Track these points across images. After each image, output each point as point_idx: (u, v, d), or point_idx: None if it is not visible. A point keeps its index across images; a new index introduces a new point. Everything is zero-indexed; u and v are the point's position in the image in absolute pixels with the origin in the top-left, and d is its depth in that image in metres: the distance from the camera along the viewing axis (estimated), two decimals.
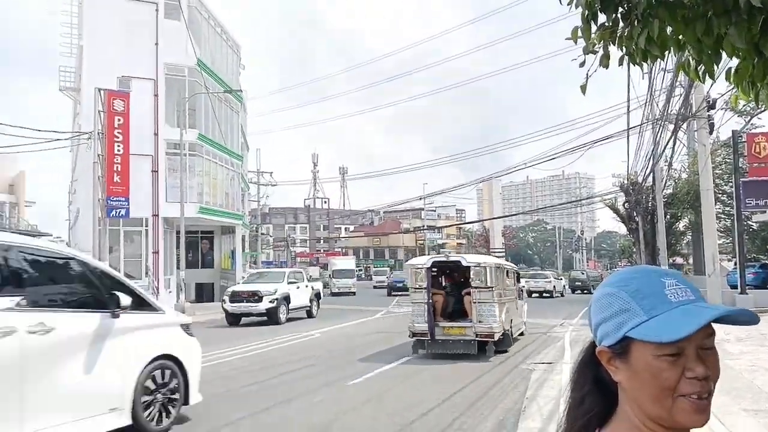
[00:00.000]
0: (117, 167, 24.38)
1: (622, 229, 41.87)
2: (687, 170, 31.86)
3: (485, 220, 76.74)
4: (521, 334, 14.64)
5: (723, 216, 32.20)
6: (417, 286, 11.87)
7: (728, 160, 27.68)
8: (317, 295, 23.67)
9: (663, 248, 26.46)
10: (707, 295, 16.42)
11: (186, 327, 6.90)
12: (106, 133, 24.01)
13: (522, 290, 15.82)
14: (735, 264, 25.64)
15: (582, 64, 3.13)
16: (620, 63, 3.05)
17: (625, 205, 29.96)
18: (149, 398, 6.00)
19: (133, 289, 6.14)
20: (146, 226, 27.74)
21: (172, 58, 28.55)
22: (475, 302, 11.44)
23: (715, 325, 0.90)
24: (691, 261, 39.59)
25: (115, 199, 24.13)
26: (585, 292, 41.48)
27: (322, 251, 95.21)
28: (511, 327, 12.62)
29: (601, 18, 2.90)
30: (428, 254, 77.94)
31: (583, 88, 3.22)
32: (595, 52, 3.05)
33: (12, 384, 4.73)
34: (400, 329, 17.41)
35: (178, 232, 26.08)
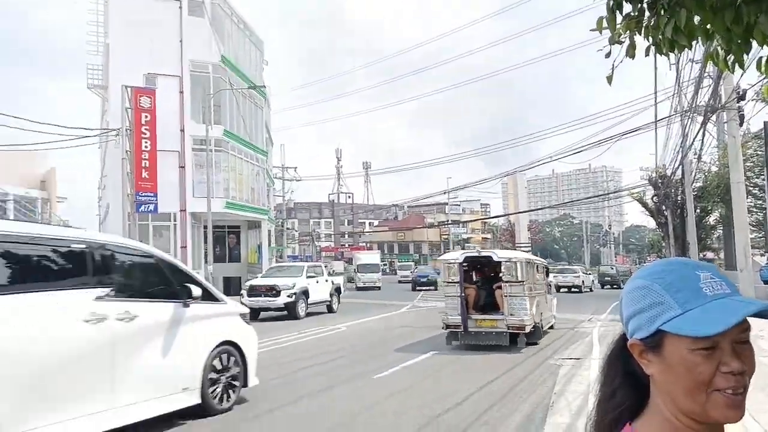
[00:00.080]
0: (145, 163, 24.81)
1: (650, 223, 41.21)
2: (717, 163, 31.15)
3: (510, 214, 76.36)
4: (551, 327, 14.88)
5: (755, 210, 31.44)
6: (450, 281, 12.36)
7: (759, 153, 27.00)
8: (337, 290, 23.32)
9: (693, 242, 25.95)
10: (739, 291, 16.01)
11: (244, 316, 7.56)
12: (134, 130, 24.44)
13: (550, 285, 16.01)
14: None
15: (608, 55, 3.09)
16: (647, 53, 3.01)
17: (654, 198, 29.45)
18: (215, 380, 6.64)
19: (200, 282, 6.84)
20: (174, 221, 28.18)
21: (196, 55, 28.89)
22: (506, 296, 11.82)
23: (749, 320, 0.89)
24: (722, 256, 38.79)
25: (143, 194, 24.57)
26: (614, 287, 41.02)
27: (346, 246, 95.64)
28: (541, 320, 12.95)
29: (627, 7, 2.86)
30: (452, 249, 77.95)
31: (609, 79, 3.18)
32: (620, 43, 3.01)
33: (105, 363, 5.37)
34: (425, 323, 17.45)
35: (205, 227, 26.47)
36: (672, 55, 3.15)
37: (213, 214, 25.89)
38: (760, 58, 2.88)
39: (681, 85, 21.49)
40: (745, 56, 2.79)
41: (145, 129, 24.81)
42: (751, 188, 29.52)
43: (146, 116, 24.87)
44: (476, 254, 13.07)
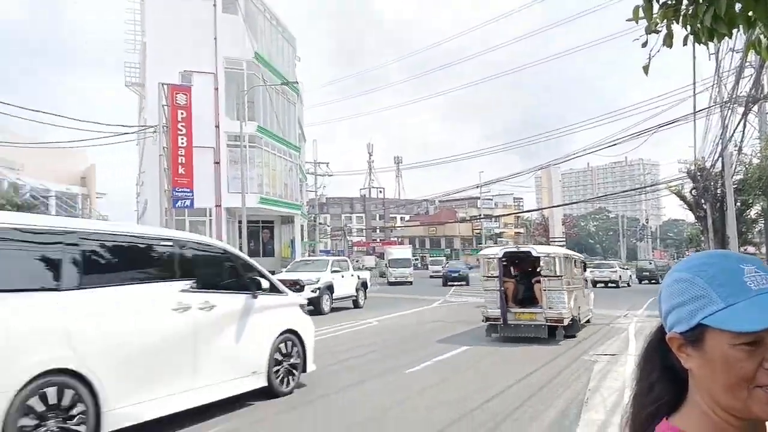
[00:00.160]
0: (181, 159, 25.30)
1: (689, 217, 40.22)
2: (758, 155, 30.18)
3: (544, 208, 75.27)
4: (588, 321, 15.03)
5: None
6: (489, 275, 12.76)
7: None
8: (364, 285, 22.93)
9: (733, 236, 25.20)
10: None
11: (302, 307, 8.19)
12: (170, 127, 24.94)
13: (586, 280, 16.12)
14: None
15: (644, 45, 3.03)
16: (684, 42, 2.94)
17: (693, 192, 28.69)
18: (278, 365, 7.27)
19: (266, 276, 7.47)
20: (210, 216, 28.68)
21: (230, 52, 29.27)
22: (545, 290, 12.13)
23: None
24: (763, 250, 37.60)
25: (180, 190, 25.06)
26: (652, 282, 40.18)
27: (378, 240, 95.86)
28: (579, 313, 13.25)
29: None
30: (485, 243, 77.45)
31: (646, 69, 3.12)
32: (657, 32, 2.95)
33: (188, 347, 6.05)
34: (457, 318, 17.42)
35: (239, 222, 26.85)
36: (711, 44, 3.07)
37: (247, 210, 26.24)
38: None
39: (721, 75, 20.88)
40: None
41: (182, 126, 25.28)
42: None
43: (182, 113, 25.34)
44: (515, 249, 13.67)
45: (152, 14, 29.72)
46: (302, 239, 40.08)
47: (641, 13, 2.87)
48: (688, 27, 2.82)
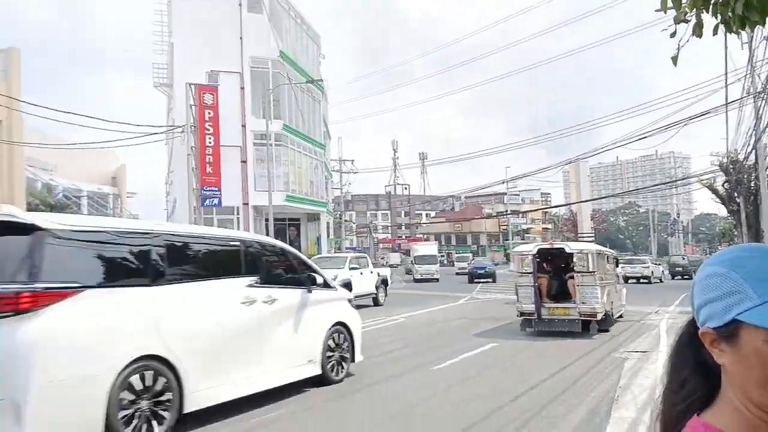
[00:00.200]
0: (209, 158, 25.60)
1: (721, 211, 39.31)
2: None
3: (572, 203, 74.44)
4: (620, 316, 15.23)
5: None
6: (523, 271, 13.10)
7: None
8: (384, 282, 22.62)
9: None
10: None
11: (350, 301, 8.81)
12: (198, 126, 25.25)
13: (618, 275, 16.26)
14: None
15: (673, 35, 2.96)
16: (715, 32, 2.86)
17: (725, 185, 28.06)
18: (331, 355, 7.84)
19: (319, 272, 8.13)
20: (237, 214, 29.00)
21: (256, 51, 29.52)
22: (578, 285, 12.44)
23: None
24: None
25: (208, 189, 25.38)
26: (685, 277, 39.40)
27: (403, 237, 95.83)
28: (611, 308, 13.50)
29: None
30: (511, 239, 76.78)
31: (675, 59, 3.05)
32: (686, 21, 2.87)
33: (254, 337, 6.64)
34: (483, 315, 17.34)
35: (266, 220, 27.08)
36: (743, 33, 2.98)
37: (274, 207, 26.46)
38: None
39: (754, 64, 20.33)
40: None
41: (209, 125, 25.59)
42: None
43: (209, 113, 25.65)
44: (549, 246, 14.03)
45: (179, 15, 30.15)
46: (328, 236, 40.28)
47: (670, 3, 2.80)
48: (719, 16, 2.75)
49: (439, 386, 8.01)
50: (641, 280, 35.52)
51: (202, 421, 5.93)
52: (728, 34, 2.83)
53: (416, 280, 40.39)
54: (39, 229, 4.95)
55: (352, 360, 8.34)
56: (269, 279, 7.13)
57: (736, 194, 27.02)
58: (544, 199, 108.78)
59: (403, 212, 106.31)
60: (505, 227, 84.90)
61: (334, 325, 7.99)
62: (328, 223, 40.13)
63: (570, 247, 13.22)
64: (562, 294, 13.20)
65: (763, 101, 20.68)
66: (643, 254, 57.72)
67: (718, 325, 0.89)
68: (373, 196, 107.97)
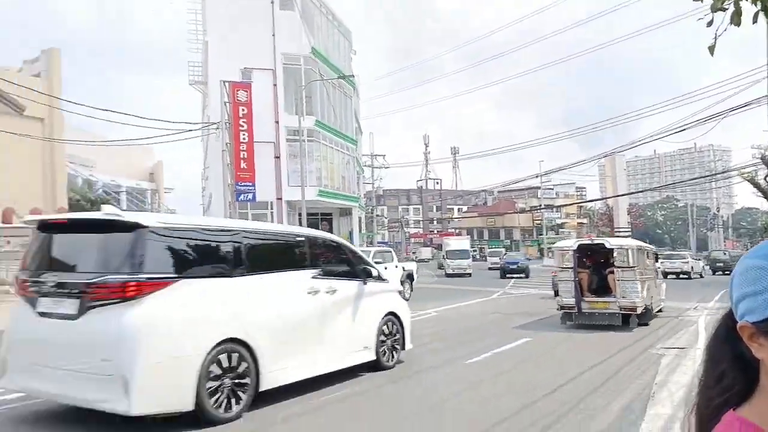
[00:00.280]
0: (243, 154, 25.96)
1: (763, 205, 38.17)
2: None
3: (608, 198, 72.98)
4: (660, 310, 15.34)
5: None
6: (564, 266, 13.39)
7: None
8: (410, 277, 22.42)
9: None
10: None
11: (400, 293, 9.36)
12: (232, 123, 25.62)
13: (657, 270, 16.35)
14: None
15: (710, 24, 2.89)
16: (755, 20, 2.78)
17: (767, 178, 27.19)
18: (383, 342, 8.39)
19: (373, 266, 8.77)
20: (271, 209, 29.34)
21: (288, 48, 29.77)
22: (618, 280, 12.67)
23: None
24: None
25: (242, 184, 25.75)
26: (726, 273, 38.26)
27: (435, 232, 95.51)
28: (651, 302, 13.70)
29: None
30: (545, 234, 75.80)
31: (711, 49, 2.98)
32: (724, 9, 2.81)
33: (318, 324, 7.24)
34: (516, 310, 17.21)
35: (299, 215, 27.33)
36: None
37: (306, 202, 26.69)
38: None
39: None
40: None
41: (243, 122, 25.93)
42: None
43: (243, 109, 25.98)
44: (589, 242, 14.35)
45: (212, 14, 30.59)
46: (360, 231, 40.44)
47: None
48: (758, 2, 2.68)
49: (470, 380, 8.06)
50: (681, 276, 34.72)
51: (275, 399, 6.50)
52: None
53: (448, 275, 39.93)
54: (141, 226, 5.60)
55: (402, 348, 8.87)
56: (330, 271, 7.74)
57: None
58: (579, 193, 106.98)
59: (434, 207, 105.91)
60: (539, 222, 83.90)
61: (386, 315, 8.54)
62: (359, 218, 40.29)
63: (610, 242, 13.52)
64: (602, 288, 13.46)
65: None
66: (681, 249, 56.27)
67: (758, 319, 0.87)
68: (404, 191, 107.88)
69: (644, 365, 8.83)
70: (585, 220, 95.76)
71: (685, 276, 34.83)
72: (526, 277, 36.18)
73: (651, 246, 16.48)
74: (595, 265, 14.01)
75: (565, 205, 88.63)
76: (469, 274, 39.76)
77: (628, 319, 12.62)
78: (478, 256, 70.86)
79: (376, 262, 20.49)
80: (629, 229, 67.42)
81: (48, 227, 6.29)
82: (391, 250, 25.69)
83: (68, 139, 33.59)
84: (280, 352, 6.50)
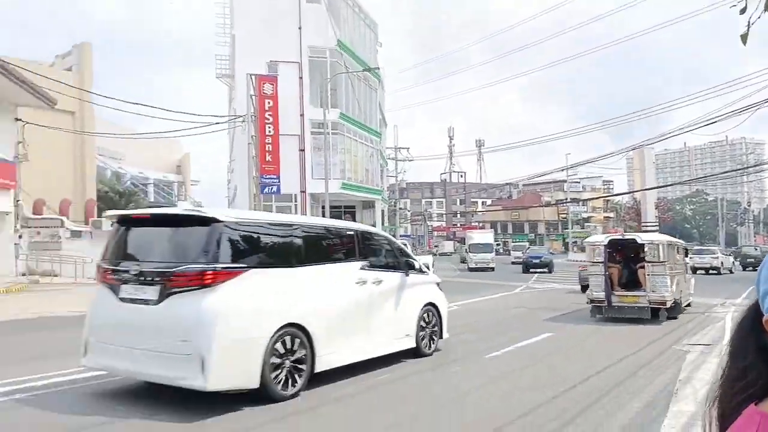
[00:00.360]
0: (268, 147, 26.13)
1: None
2: None
3: (636, 191, 71.73)
4: (688, 305, 15.53)
5: None
6: (594, 261, 13.61)
7: None
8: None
9: None
10: None
11: (438, 285, 9.73)
12: (258, 116, 25.80)
13: (686, 265, 16.56)
14: None
15: (743, 11, 2.84)
16: None
17: None
18: (423, 330, 8.88)
19: (414, 259, 9.38)
20: (295, 201, 29.55)
21: (314, 41, 29.84)
22: (649, 274, 12.93)
23: None
24: None
25: (267, 177, 25.94)
26: (757, 269, 37.36)
27: (458, 225, 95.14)
28: (680, 297, 13.97)
29: None
30: (571, 228, 74.87)
31: (744, 38, 2.92)
32: None
33: (365, 312, 7.79)
34: (540, 305, 17.11)
35: (323, 207, 27.47)
36: None
37: (330, 195, 26.78)
38: None
39: None
40: None
41: (268, 115, 26.09)
42: None
43: (269, 102, 26.14)
44: (620, 237, 14.77)
45: (240, 7, 30.80)
46: (383, 224, 40.47)
47: None
48: None
49: (503, 369, 8.21)
50: (710, 271, 34.06)
51: (328, 381, 6.98)
52: None
53: (471, 269, 39.42)
54: (217, 221, 6.12)
55: (440, 337, 9.30)
56: (376, 263, 8.29)
57: None
58: (606, 186, 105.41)
59: (458, 200, 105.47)
60: (564, 216, 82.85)
61: (426, 305, 9.00)
62: (382, 211, 40.31)
63: (641, 238, 13.73)
64: (631, 283, 13.71)
65: None
66: (710, 244, 55.21)
67: None
68: (428, 184, 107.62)
69: (669, 361, 8.74)
70: (612, 214, 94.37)
71: (715, 272, 34.18)
72: (549, 272, 35.71)
73: (681, 241, 16.59)
74: (625, 259, 14.26)
75: (592, 198, 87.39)
76: (492, 269, 39.30)
77: (658, 313, 12.88)
78: (501, 250, 70.38)
79: None
80: (657, 224, 66.19)
81: (127, 221, 6.87)
82: (406, 242, 25.61)
83: (98, 132, 34.23)
84: (333, 337, 6.98)
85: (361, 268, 7.86)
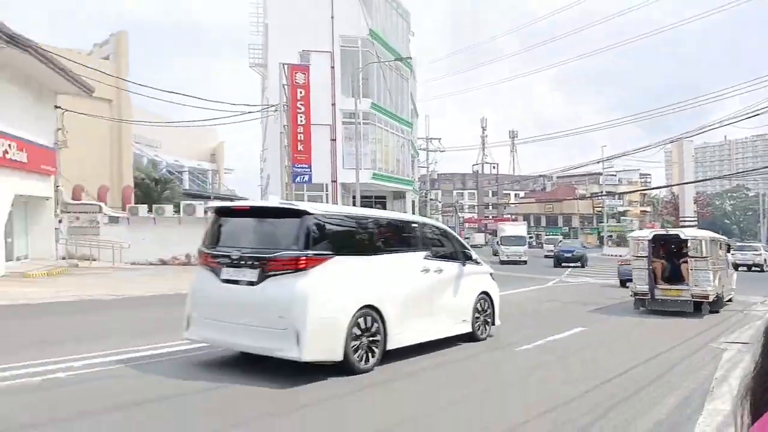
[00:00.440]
0: (300, 136, 26.27)
1: None
2: None
3: (674, 185, 70.08)
4: (730, 299, 15.68)
5: None
6: (638, 255, 14.00)
7: None
8: None
9: None
10: None
11: (491, 275, 10.26)
12: (290, 105, 25.94)
13: (728, 261, 16.61)
14: None
15: None
16: None
17: None
18: (478, 317, 9.48)
19: (470, 250, 9.95)
20: (326, 191, 29.67)
21: (346, 30, 29.79)
22: (692, 269, 13.27)
23: None
24: None
25: (299, 166, 26.10)
26: None
27: (490, 217, 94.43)
28: (722, 291, 14.28)
29: None
30: (606, 222, 73.58)
31: None
32: None
33: (428, 297, 8.44)
34: (573, 299, 16.94)
35: (353, 197, 27.54)
36: None
37: (361, 185, 26.82)
38: None
39: None
40: None
41: (300, 104, 26.21)
42: None
43: (301, 92, 26.25)
44: (665, 233, 15.27)
45: None
46: (413, 215, 40.38)
47: None
48: None
49: (544, 359, 8.38)
50: (753, 268, 33.01)
51: (398, 358, 7.61)
52: None
53: (502, 262, 38.39)
54: (308, 213, 6.89)
55: (493, 323, 9.90)
56: (437, 253, 8.89)
57: None
58: (643, 180, 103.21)
59: (490, 192, 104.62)
60: (599, 209, 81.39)
61: (480, 294, 9.60)
62: (413, 202, 40.22)
63: (684, 233, 14.12)
64: (674, 277, 14.02)
65: None
66: (750, 240, 53.54)
67: None
68: (460, 175, 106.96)
69: (706, 359, 8.52)
70: (649, 209, 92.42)
71: (758, 269, 33.14)
72: (582, 266, 34.94)
73: (723, 237, 16.86)
74: (668, 254, 14.59)
75: (628, 192, 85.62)
76: (525, 262, 38.60)
77: (700, 307, 13.20)
78: (534, 243, 69.56)
79: None
80: (695, 219, 64.54)
81: (226, 212, 7.79)
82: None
83: (134, 119, 34.91)
84: (401, 318, 7.63)
85: (425, 258, 8.49)
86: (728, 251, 16.76)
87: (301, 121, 26.26)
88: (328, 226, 7.14)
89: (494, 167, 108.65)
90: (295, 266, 6.61)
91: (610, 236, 75.62)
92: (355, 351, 6.87)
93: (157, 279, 19.84)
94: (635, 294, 13.95)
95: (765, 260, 33.88)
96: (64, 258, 23.86)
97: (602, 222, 77.27)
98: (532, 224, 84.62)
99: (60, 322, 11.21)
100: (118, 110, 33.92)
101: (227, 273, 6.95)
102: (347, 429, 5.34)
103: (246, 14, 37.68)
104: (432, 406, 6.01)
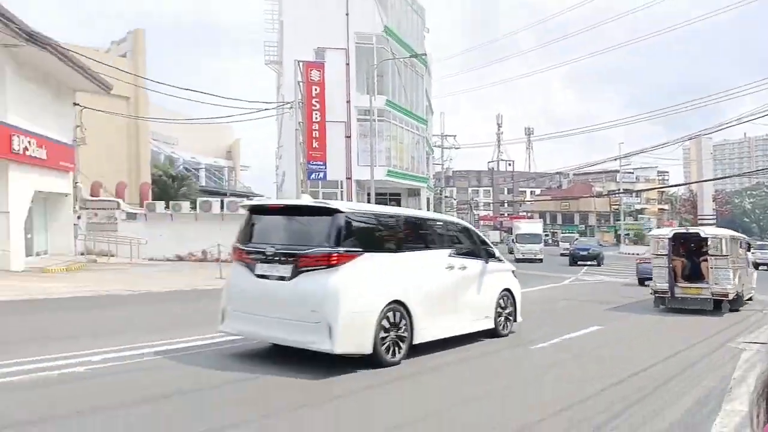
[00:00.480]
0: (315, 134, 26.36)
1: None
2: None
3: (692, 183, 69.13)
4: (750, 298, 15.69)
5: None
6: (659, 253, 14.02)
7: None
8: None
9: None
10: None
11: (513, 273, 10.42)
12: (305, 102, 26.02)
13: (748, 259, 16.65)
14: None
15: None
16: None
17: None
18: (500, 314, 9.63)
19: (493, 247, 10.01)
20: (341, 188, 29.70)
21: (361, 27, 29.75)
22: (712, 267, 13.31)
23: None
24: None
25: (314, 163, 26.19)
26: None
27: (505, 215, 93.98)
28: (742, 290, 14.29)
29: None
30: (623, 220, 72.93)
31: None
32: None
33: (452, 294, 8.61)
34: (589, 298, 16.81)
35: (368, 194, 27.55)
36: None
37: (375, 182, 26.79)
38: None
39: None
40: None
41: (315, 101, 26.28)
42: None
43: (316, 89, 26.32)
44: (685, 231, 15.29)
45: None
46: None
47: None
48: None
49: (562, 357, 8.39)
50: None
51: (424, 352, 7.80)
52: None
53: (517, 260, 37.80)
54: (339, 212, 7.10)
55: (514, 320, 10.02)
56: (461, 251, 9.04)
57: None
58: (660, 177, 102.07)
59: (506, 189, 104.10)
60: (616, 207, 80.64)
61: (502, 291, 9.73)
62: (428, 199, 40.11)
63: (704, 232, 14.18)
64: (694, 275, 14.08)
65: None
66: None
67: None
68: (475, 173, 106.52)
69: (724, 358, 8.42)
70: (666, 206, 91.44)
71: None
72: (598, 264, 34.47)
73: (743, 236, 16.84)
74: (688, 252, 14.63)
75: (646, 189, 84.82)
76: (540, 260, 38.13)
77: (720, 305, 13.20)
78: (550, 241, 69.07)
79: None
80: (714, 217, 63.67)
81: (259, 210, 8.12)
82: None
83: (152, 117, 35.23)
84: (427, 314, 7.80)
85: (449, 255, 8.64)
86: (748, 250, 16.76)
87: (316, 118, 26.32)
88: (357, 224, 7.34)
89: (510, 164, 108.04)
90: (327, 262, 6.81)
91: (627, 234, 74.89)
92: (384, 344, 7.07)
93: (174, 275, 20.04)
94: (655, 292, 14.01)
95: None
96: (82, 254, 24.18)
97: (619, 220, 76.60)
98: (548, 222, 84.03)
99: (80, 317, 11.36)
100: (136, 107, 34.23)
101: (261, 268, 7.18)
102: (377, 421, 5.44)
103: (261, 12, 37.74)
104: (456, 400, 6.09)
